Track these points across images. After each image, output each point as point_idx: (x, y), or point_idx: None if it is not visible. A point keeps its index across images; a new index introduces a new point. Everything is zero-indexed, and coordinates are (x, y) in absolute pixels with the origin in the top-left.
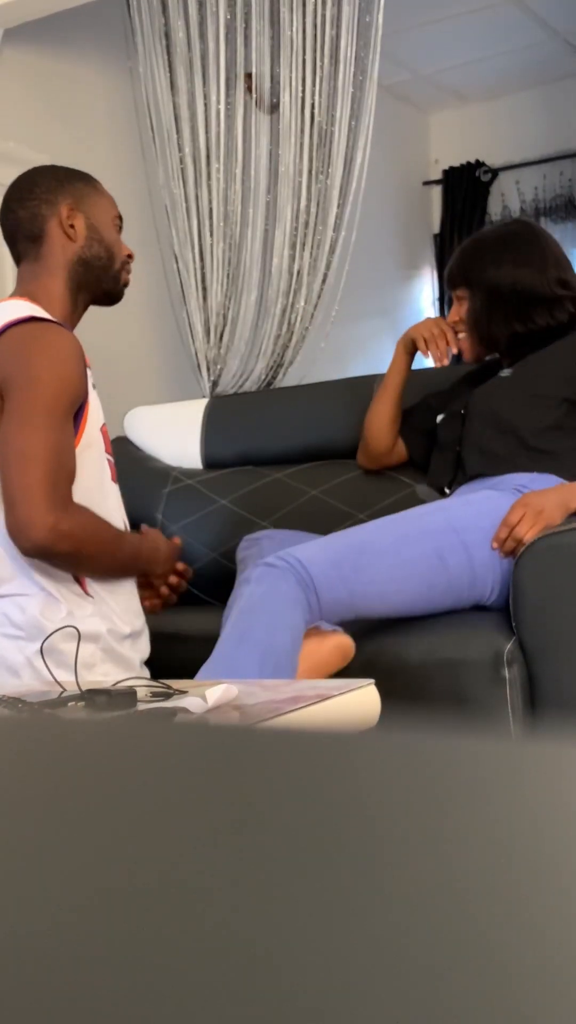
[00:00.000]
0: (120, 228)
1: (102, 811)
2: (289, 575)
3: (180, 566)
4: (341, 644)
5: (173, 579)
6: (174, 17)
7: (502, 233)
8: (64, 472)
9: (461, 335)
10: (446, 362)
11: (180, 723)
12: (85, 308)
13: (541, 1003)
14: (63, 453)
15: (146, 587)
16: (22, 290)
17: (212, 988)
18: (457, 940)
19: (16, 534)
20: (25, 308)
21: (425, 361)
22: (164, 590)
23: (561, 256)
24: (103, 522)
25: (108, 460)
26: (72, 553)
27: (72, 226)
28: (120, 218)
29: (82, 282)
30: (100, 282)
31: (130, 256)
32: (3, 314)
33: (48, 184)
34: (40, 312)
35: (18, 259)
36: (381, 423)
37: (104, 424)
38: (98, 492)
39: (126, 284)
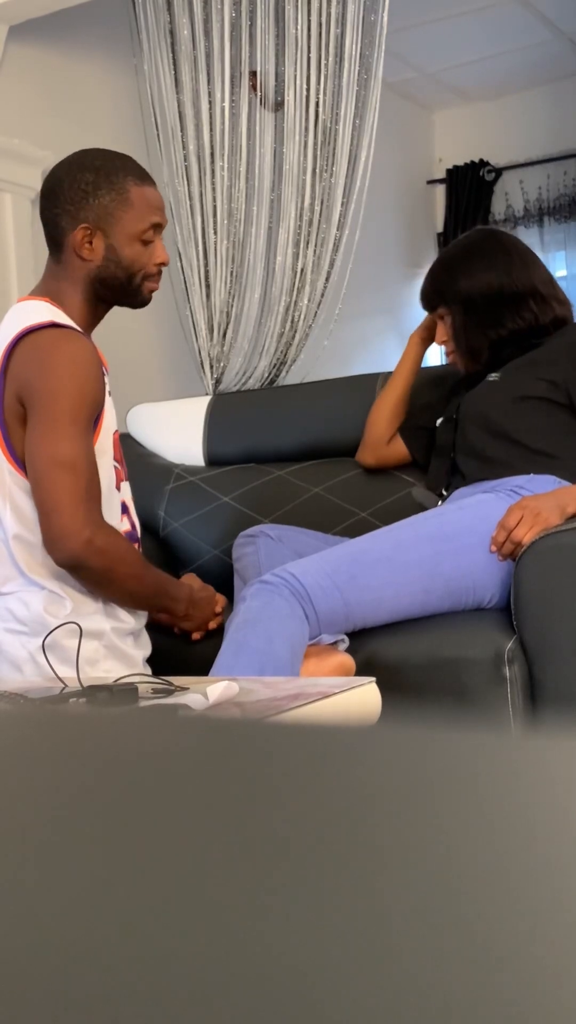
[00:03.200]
0: (157, 233)
1: (105, 804)
2: (283, 589)
3: (218, 608)
4: (343, 664)
5: (212, 624)
6: (179, 15)
7: (464, 244)
8: (95, 485)
9: (451, 354)
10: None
11: (183, 717)
12: (105, 312)
13: (540, 994)
14: (91, 463)
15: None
16: (45, 288)
17: (216, 976)
18: (457, 930)
19: (51, 544)
20: (45, 312)
21: (430, 359)
22: (213, 623)
23: (528, 254)
24: (133, 548)
25: (115, 467)
26: (104, 570)
27: (90, 244)
28: (157, 225)
29: (100, 295)
30: (118, 297)
31: (163, 263)
32: (24, 316)
33: (74, 194)
34: (60, 316)
35: (49, 250)
36: (381, 411)
37: (116, 431)
38: (105, 500)
39: (152, 291)
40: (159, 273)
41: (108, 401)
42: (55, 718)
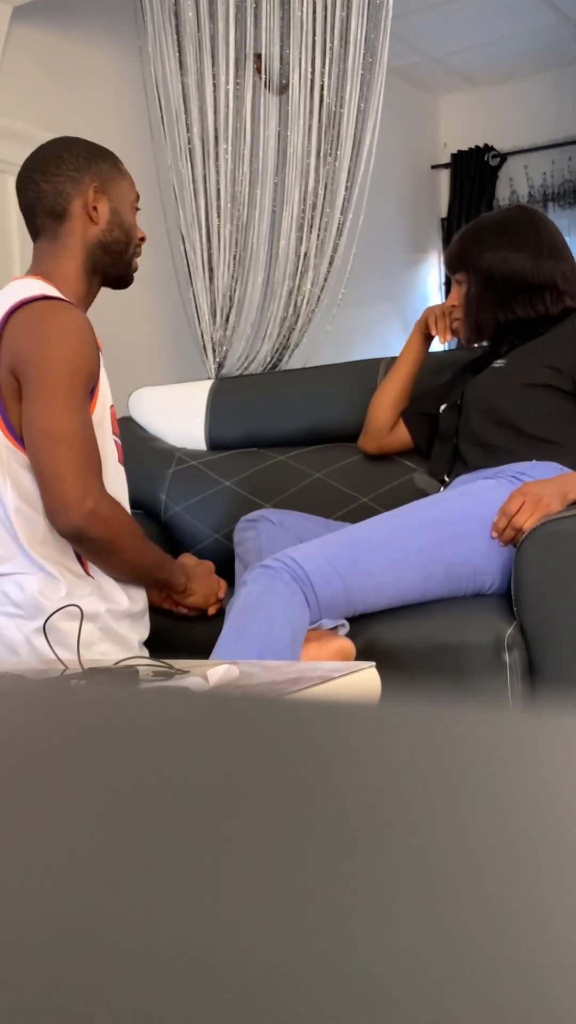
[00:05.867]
0: (137, 210)
1: (108, 782)
2: (284, 574)
3: (220, 594)
4: (343, 648)
5: (212, 610)
6: None
7: (502, 218)
8: (95, 455)
9: (457, 320)
10: (448, 338)
11: (185, 694)
12: (98, 290)
13: (542, 968)
14: (89, 434)
15: (168, 601)
16: (37, 269)
17: (221, 954)
18: (458, 907)
19: (53, 515)
20: (36, 287)
21: (437, 346)
22: (212, 610)
23: (560, 244)
24: (133, 519)
25: (115, 441)
26: (106, 539)
27: (95, 208)
28: (138, 199)
29: (98, 265)
30: (114, 266)
31: (142, 239)
32: (15, 293)
33: (76, 161)
34: (52, 291)
35: (35, 234)
36: (384, 401)
37: (112, 405)
38: (109, 474)
39: (136, 268)
40: (140, 251)
41: (103, 375)
42: (59, 696)
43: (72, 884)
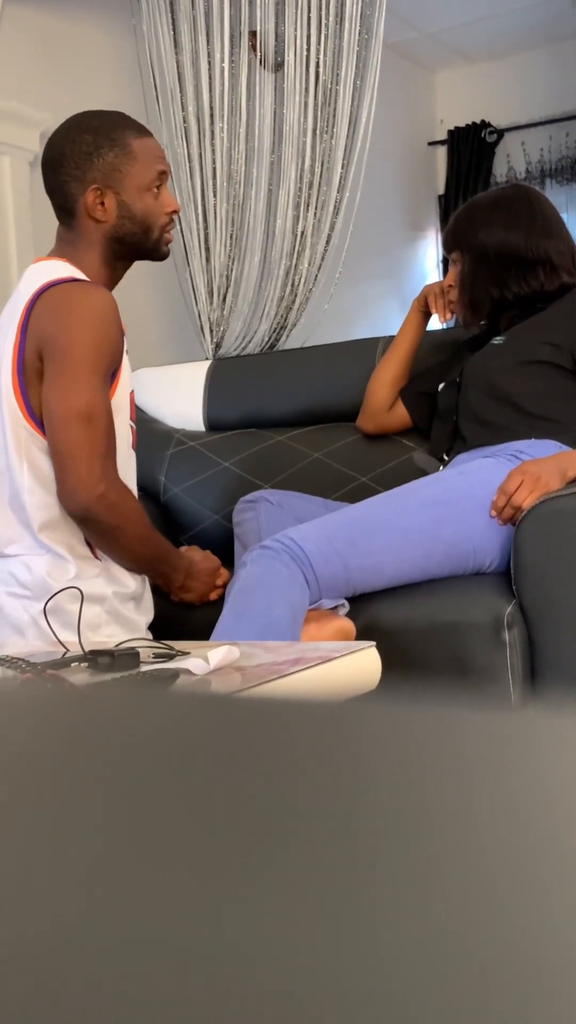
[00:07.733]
0: (163, 183)
1: (99, 777)
2: (284, 554)
3: (219, 582)
4: (343, 628)
5: (213, 595)
6: None
7: (495, 196)
8: (111, 438)
9: (453, 299)
10: (447, 317)
11: (177, 690)
12: (123, 272)
13: (544, 975)
14: (107, 416)
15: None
16: (59, 252)
17: (212, 956)
18: (458, 911)
19: (64, 494)
20: (65, 269)
21: (436, 324)
22: (214, 595)
23: (554, 221)
24: (141, 509)
25: (131, 427)
26: (112, 525)
27: (102, 204)
28: (163, 173)
29: (118, 253)
30: (137, 253)
31: (174, 212)
32: (43, 273)
33: (77, 159)
34: (79, 274)
35: (58, 219)
36: (383, 379)
37: (132, 390)
38: (124, 459)
39: (168, 242)
40: (172, 222)
41: (125, 359)
42: (52, 686)
43: (70, 885)
